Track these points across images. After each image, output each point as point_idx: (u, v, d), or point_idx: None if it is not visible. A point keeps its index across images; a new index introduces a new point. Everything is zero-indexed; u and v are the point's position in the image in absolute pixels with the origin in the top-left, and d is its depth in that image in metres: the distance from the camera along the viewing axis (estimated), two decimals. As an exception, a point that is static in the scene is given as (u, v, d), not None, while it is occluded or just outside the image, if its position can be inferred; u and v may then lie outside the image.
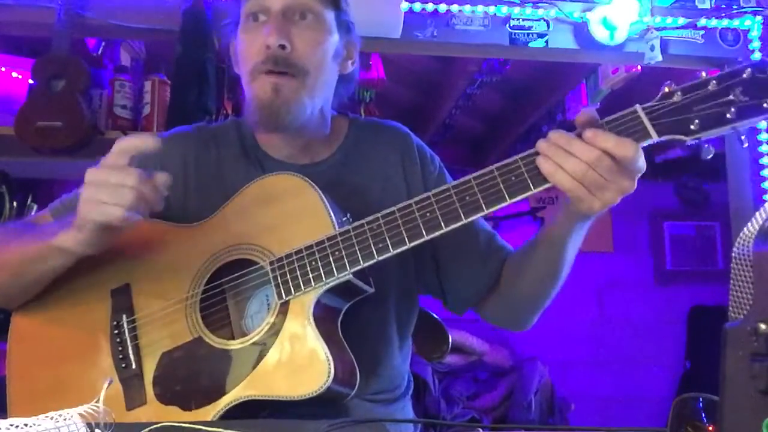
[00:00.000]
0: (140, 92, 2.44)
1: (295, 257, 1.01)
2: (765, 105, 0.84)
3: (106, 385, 0.81)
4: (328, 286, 0.99)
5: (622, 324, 4.25)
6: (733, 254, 0.66)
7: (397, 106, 3.48)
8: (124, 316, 1.07)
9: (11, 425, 0.64)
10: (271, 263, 1.02)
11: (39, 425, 0.65)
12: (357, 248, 0.98)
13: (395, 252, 0.97)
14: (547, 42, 2.27)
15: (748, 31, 2.33)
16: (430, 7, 2.18)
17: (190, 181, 1.19)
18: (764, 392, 0.57)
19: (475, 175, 0.95)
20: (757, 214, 0.66)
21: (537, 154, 0.92)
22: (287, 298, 1.00)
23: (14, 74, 2.45)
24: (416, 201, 0.97)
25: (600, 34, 2.23)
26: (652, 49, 2.25)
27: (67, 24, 2.11)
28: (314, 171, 1.16)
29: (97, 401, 0.70)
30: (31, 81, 2.22)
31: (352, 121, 1.30)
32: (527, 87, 3.24)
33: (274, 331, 0.99)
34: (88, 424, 0.68)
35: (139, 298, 1.08)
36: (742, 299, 0.63)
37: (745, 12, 2.32)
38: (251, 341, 1.00)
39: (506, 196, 0.93)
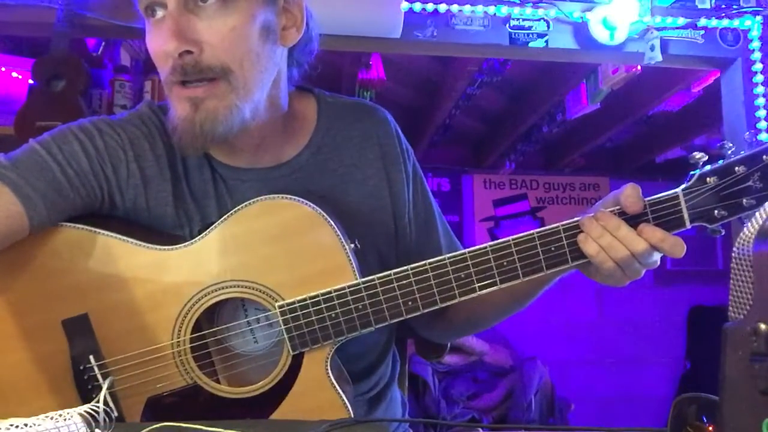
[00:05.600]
0: (140, 92, 2.44)
1: (311, 308, 0.91)
2: None
3: (106, 383, 0.81)
4: (347, 339, 0.93)
5: (622, 324, 4.25)
6: (733, 254, 0.66)
7: (397, 106, 3.48)
8: (92, 358, 0.92)
9: (11, 425, 0.64)
10: (281, 307, 0.92)
11: (39, 425, 0.65)
12: (384, 306, 0.91)
13: (425, 311, 0.92)
14: (547, 42, 2.27)
15: (748, 31, 2.33)
16: (430, 7, 2.18)
17: (151, 175, 1.00)
18: (764, 392, 0.57)
19: (515, 238, 0.91)
20: (757, 214, 0.66)
21: (578, 227, 0.90)
22: (303, 350, 0.93)
23: (14, 74, 2.45)
24: (451, 260, 0.91)
25: (600, 34, 2.23)
26: (652, 49, 2.24)
27: (67, 24, 2.10)
28: (279, 175, 1.03)
29: (97, 401, 0.70)
30: (31, 81, 2.22)
31: (318, 100, 1.10)
32: (527, 87, 3.24)
33: (288, 380, 0.93)
34: (88, 424, 0.68)
35: (105, 334, 0.93)
36: (742, 299, 0.63)
37: (745, 12, 2.31)
38: (263, 390, 0.93)
39: (544, 266, 0.91)
